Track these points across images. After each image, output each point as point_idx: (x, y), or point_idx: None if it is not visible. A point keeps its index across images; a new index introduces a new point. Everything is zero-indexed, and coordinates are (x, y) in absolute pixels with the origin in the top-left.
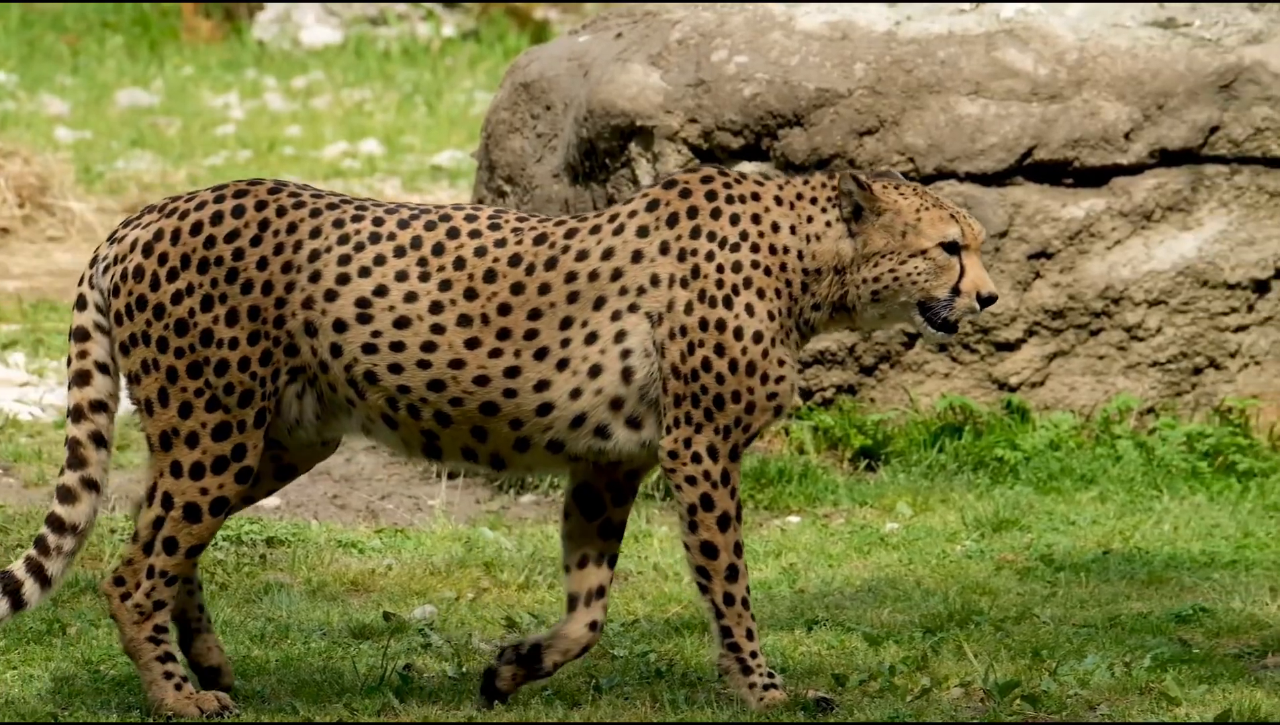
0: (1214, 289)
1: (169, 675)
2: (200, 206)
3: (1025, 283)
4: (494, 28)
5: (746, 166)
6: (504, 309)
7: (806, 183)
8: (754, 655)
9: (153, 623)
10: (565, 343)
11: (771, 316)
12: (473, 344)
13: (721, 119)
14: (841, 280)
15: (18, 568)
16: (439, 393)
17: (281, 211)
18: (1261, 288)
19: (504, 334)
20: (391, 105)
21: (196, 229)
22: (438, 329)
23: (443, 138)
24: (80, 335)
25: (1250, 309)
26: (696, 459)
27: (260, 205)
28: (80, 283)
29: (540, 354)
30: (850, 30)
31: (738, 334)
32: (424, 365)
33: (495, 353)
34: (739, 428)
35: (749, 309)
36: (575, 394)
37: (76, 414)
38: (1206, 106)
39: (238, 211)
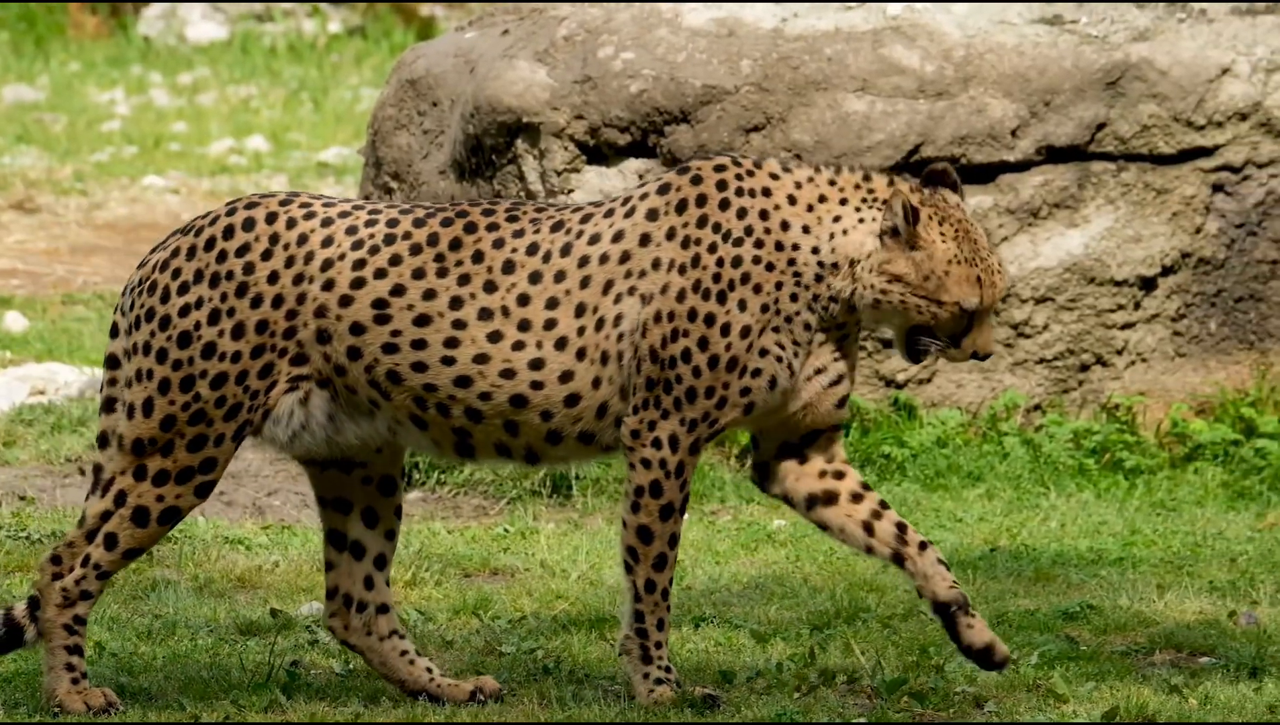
0: (1101, 286)
1: (70, 668)
2: (213, 221)
3: None
4: (380, 24)
5: (633, 163)
6: (523, 300)
7: (834, 183)
8: (659, 646)
9: (74, 612)
10: (581, 331)
11: (764, 309)
12: (495, 337)
13: (608, 116)
14: (853, 273)
15: (18, 612)
16: (467, 388)
17: (292, 223)
18: (1148, 285)
19: (525, 326)
20: (278, 102)
21: (210, 244)
22: (459, 324)
23: (329, 134)
24: (111, 362)
25: (1137, 306)
26: (657, 445)
27: (271, 217)
28: (115, 311)
29: (561, 344)
30: (737, 27)
31: (724, 330)
32: (448, 362)
33: (518, 345)
34: (705, 422)
35: (741, 304)
36: (596, 383)
37: (102, 440)
38: (1093, 104)
39: (248, 225)
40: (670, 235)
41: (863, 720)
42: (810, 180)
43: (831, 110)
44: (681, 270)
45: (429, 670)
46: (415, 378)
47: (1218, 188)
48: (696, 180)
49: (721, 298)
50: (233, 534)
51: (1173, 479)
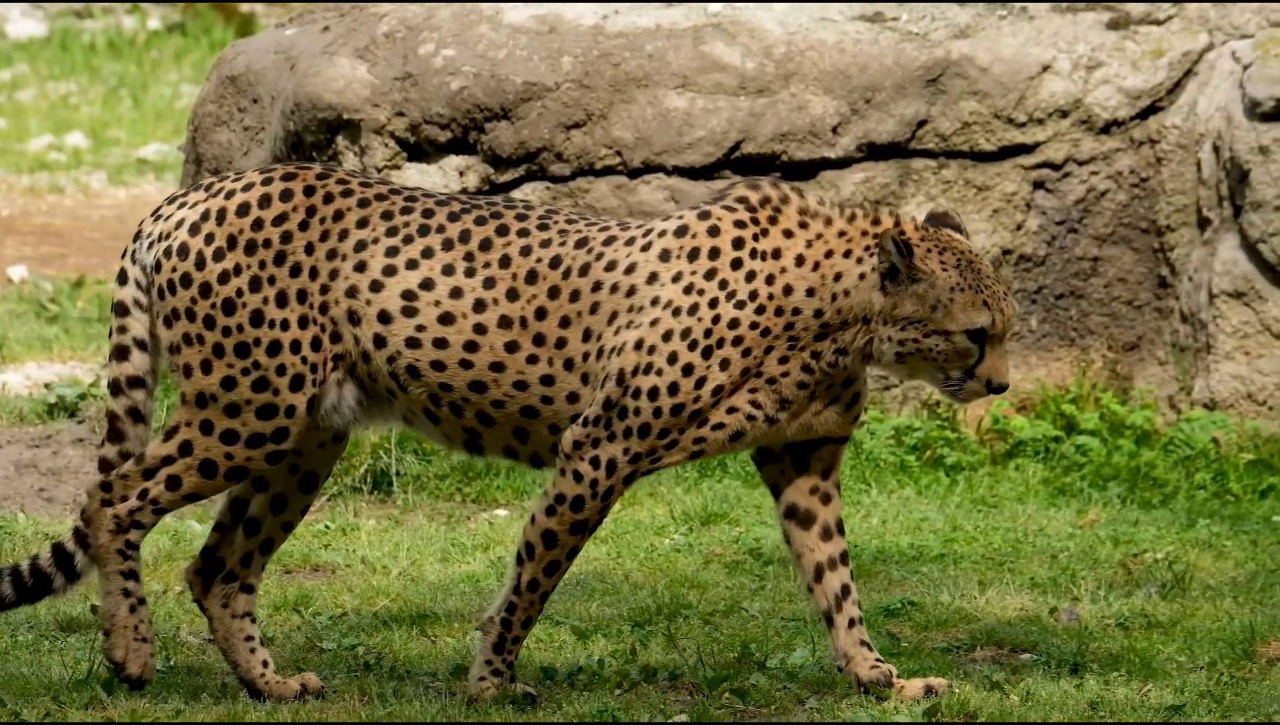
0: None
1: (127, 593)
2: (248, 188)
3: None
4: (200, 21)
5: (454, 160)
6: (540, 313)
7: (843, 235)
8: (515, 642)
9: (126, 537)
10: (585, 357)
11: (745, 373)
12: (512, 348)
13: (429, 112)
14: (868, 330)
15: (68, 541)
16: (481, 393)
17: (329, 198)
18: None
19: (539, 340)
20: (97, 98)
21: (243, 210)
22: (480, 329)
23: (149, 131)
24: (120, 310)
25: None
26: (595, 464)
27: (309, 190)
28: (123, 257)
29: (568, 365)
30: (558, 24)
31: (699, 383)
32: (466, 365)
33: (532, 359)
34: (649, 458)
35: (724, 363)
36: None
37: (115, 388)
38: (914, 100)
39: (286, 195)
40: (676, 279)
41: (684, 717)
42: (820, 236)
43: (653, 107)
44: (675, 312)
45: (264, 664)
46: (433, 375)
47: (1039, 185)
48: (714, 231)
49: (707, 353)
50: (54, 530)
51: (994, 476)
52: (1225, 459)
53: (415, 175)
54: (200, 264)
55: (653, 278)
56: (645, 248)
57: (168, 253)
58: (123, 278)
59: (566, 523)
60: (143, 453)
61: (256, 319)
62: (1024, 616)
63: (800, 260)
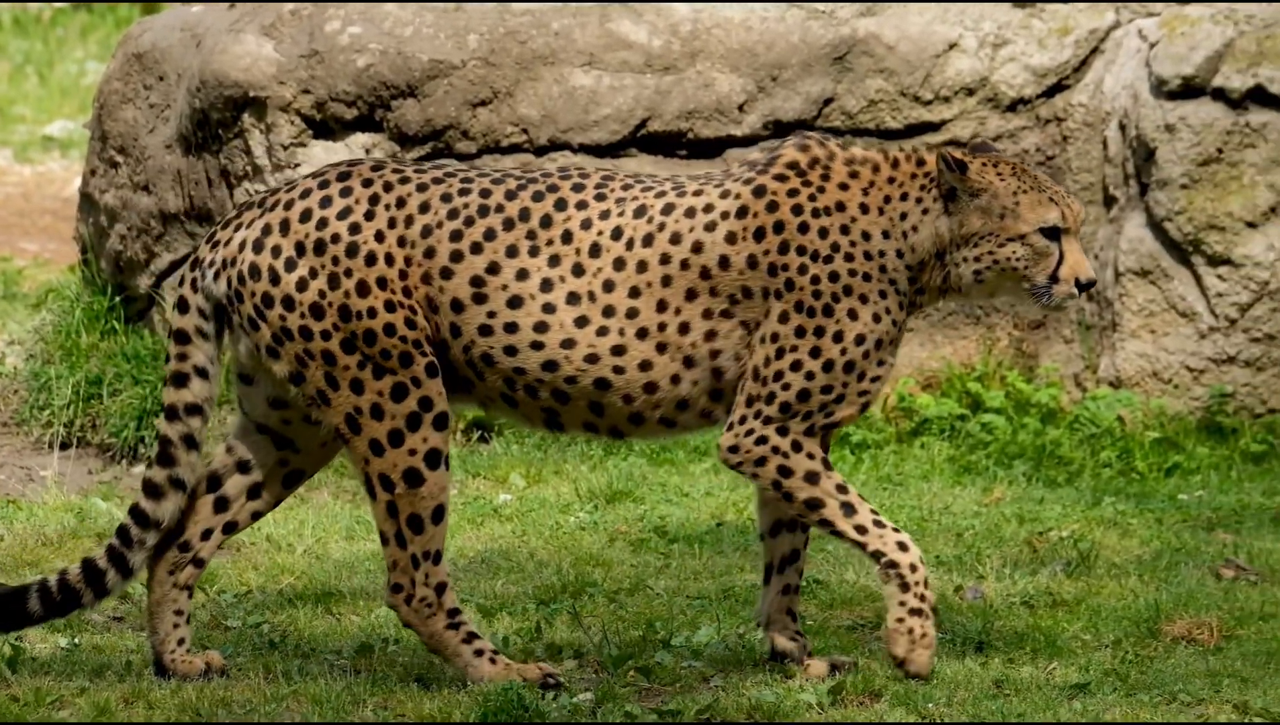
0: None
1: (480, 653)
2: (305, 194)
3: None
4: None
5: (360, 137)
6: (608, 286)
7: (893, 180)
8: (913, 568)
9: (444, 610)
10: (661, 327)
11: (877, 318)
12: (582, 322)
13: (335, 90)
14: (942, 263)
15: (100, 558)
16: (554, 372)
17: (389, 187)
18: None
19: (609, 312)
20: (3, 75)
21: (306, 216)
22: (549, 308)
23: (54, 108)
24: (181, 338)
25: None
26: (761, 442)
27: (366, 182)
28: (180, 285)
29: (641, 334)
30: (464, 2)
31: (837, 337)
32: (537, 346)
33: (602, 331)
34: (821, 412)
35: (852, 314)
36: (675, 379)
37: (171, 413)
38: (820, 78)
39: (345, 191)
40: (753, 264)
41: (589, 695)
42: (873, 183)
43: (559, 85)
44: (778, 295)
45: (180, 642)
46: (507, 361)
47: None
48: (772, 206)
49: (828, 311)
50: None
51: (899, 453)
52: (1130, 437)
53: (321, 153)
54: (274, 279)
55: (725, 263)
56: (709, 227)
57: (241, 279)
58: (184, 307)
59: (801, 484)
60: (380, 532)
61: (345, 314)
62: None
63: (864, 208)
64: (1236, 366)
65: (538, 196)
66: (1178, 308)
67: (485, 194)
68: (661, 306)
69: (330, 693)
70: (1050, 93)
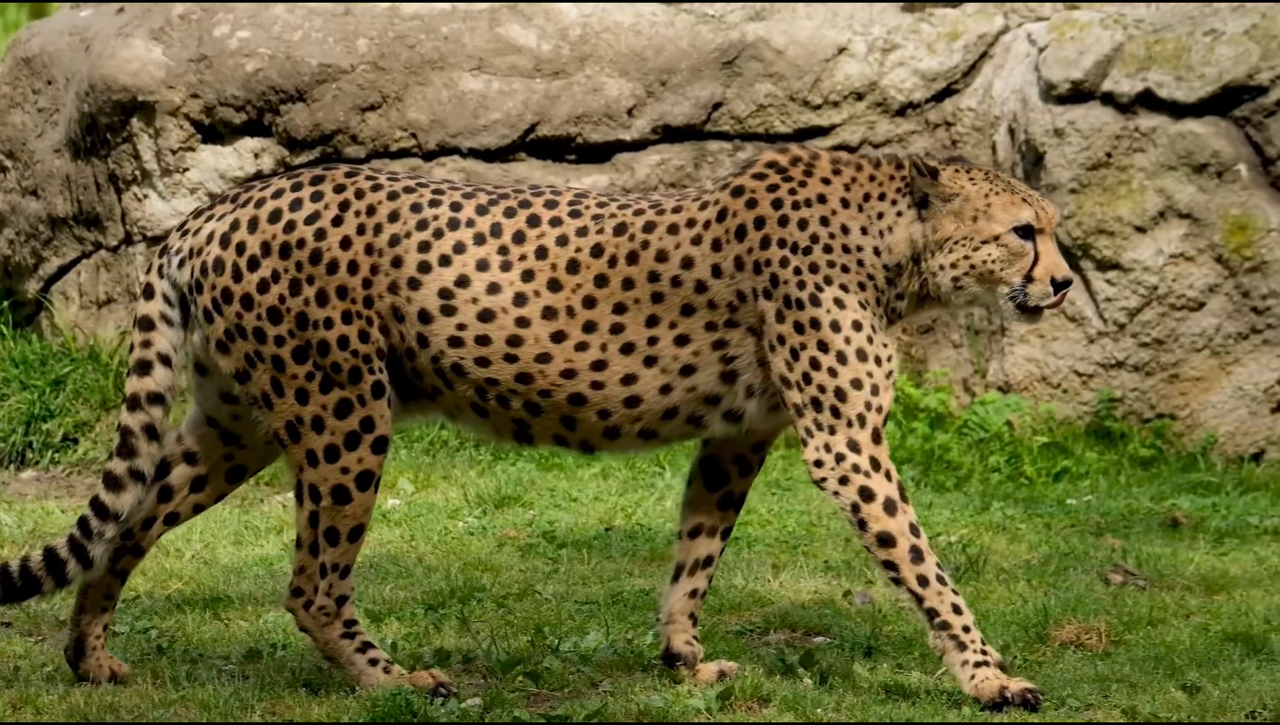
0: None
1: (374, 662)
2: (277, 194)
3: None
4: None
5: (249, 142)
6: (589, 302)
7: (874, 179)
8: (966, 630)
9: (341, 620)
10: (653, 341)
11: (863, 306)
12: (559, 337)
13: (224, 94)
14: (919, 269)
15: (61, 547)
16: (527, 385)
17: (360, 194)
18: None
19: (590, 327)
20: None
21: (275, 216)
22: (523, 322)
23: None
24: (145, 324)
25: None
26: (840, 459)
27: (338, 188)
28: (148, 271)
29: (626, 349)
30: (353, 5)
31: (835, 326)
32: (511, 359)
33: (581, 346)
34: (872, 411)
35: (838, 302)
36: (665, 390)
37: (133, 403)
38: (710, 83)
39: (316, 196)
40: (739, 266)
41: (477, 700)
42: (855, 180)
43: (448, 89)
44: (766, 295)
45: (104, 628)
46: (478, 372)
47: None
48: (751, 203)
49: (815, 301)
50: None
51: (788, 459)
52: (1019, 442)
53: (210, 157)
54: (237, 276)
55: (716, 271)
56: (695, 241)
57: (204, 270)
58: (149, 292)
59: (879, 514)
60: (297, 535)
61: (302, 322)
62: (818, 599)
63: (845, 202)
64: (1125, 371)
65: (510, 212)
66: (1066, 312)
67: (456, 207)
68: (652, 321)
69: (218, 698)
70: (939, 97)
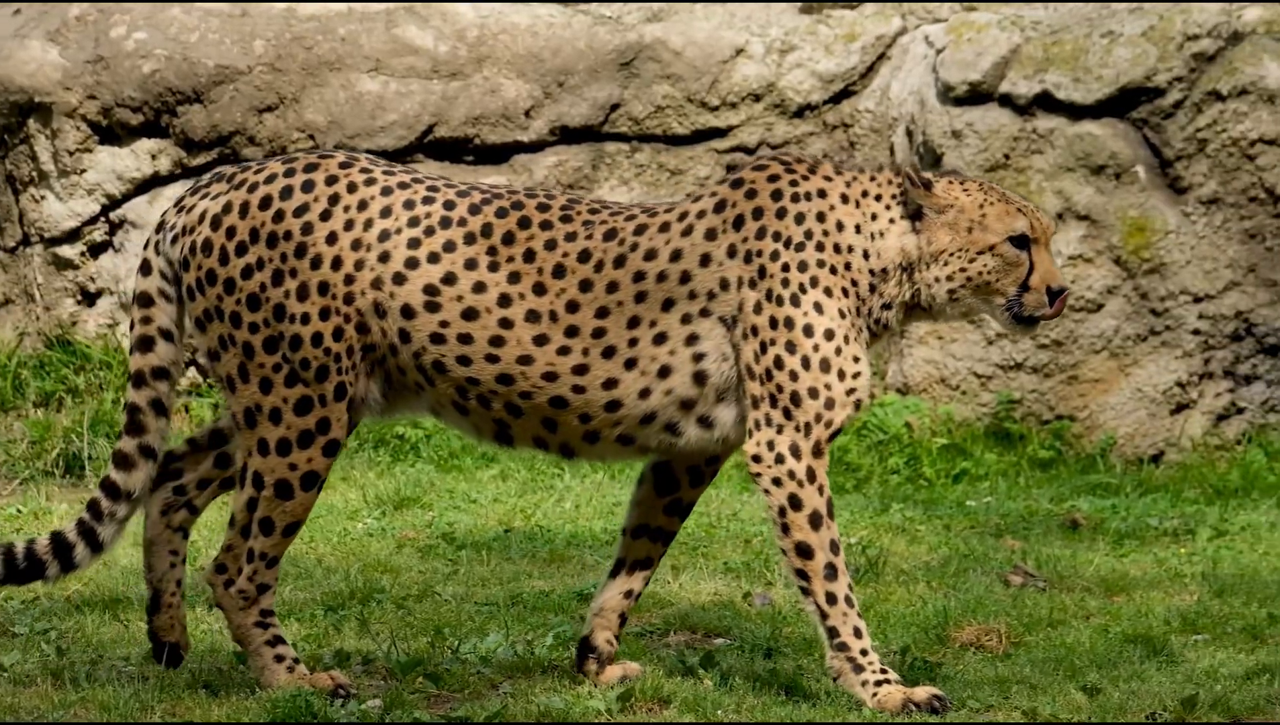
0: None
1: (280, 658)
2: (270, 180)
3: None
4: None
5: (146, 143)
6: (572, 306)
7: (874, 180)
8: (864, 653)
9: (258, 608)
10: (633, 342)
11: (842, 314)
12: (541, 341)
13: (121, 96)
14: (910, 279)
15: (69, 530)
16: (508, 386)
17: (352, 187)
18: None
19: (572, 332)
20: None
21: (265, 203)
22: (506, 323)
23: None
24: (144, 300)
25: None
26: (780, 460)
27: (331, 180)
28: (145, 247)
29: (608, 352)
30: (250, 7)
31: (807, 331)
32: (492, 359)
33: (564, 350)
34: (820, 423)
35: (817, 307)
36: (644, 393)
37: (138, 380)
38: (607, 84)
39: (307, 186)
40: (731, 253)
41: (378, 702)
42: (856, 179)
43: (345, 90)
44: (751, 284)
45: (178, 583)
46: (459, 370)
47: (732, 168)
48: (751, 194)
49: (795, 301)
50: None
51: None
52: (918, 444)
53: (107, 158)
54: (224, 260)
55: (705, 260)
56: (686, 232)
57: (193, 250)
58: (146, 268)
59: (803, 524)
60: (232, 514)
61: (279, 313)
62: (718, 601)
63: (844, 198)
64: (1024, 373)
65: (501, 213)
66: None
67: (449, 206)
68: (633, 322)
69: (118, 699)
70: (837, 99)
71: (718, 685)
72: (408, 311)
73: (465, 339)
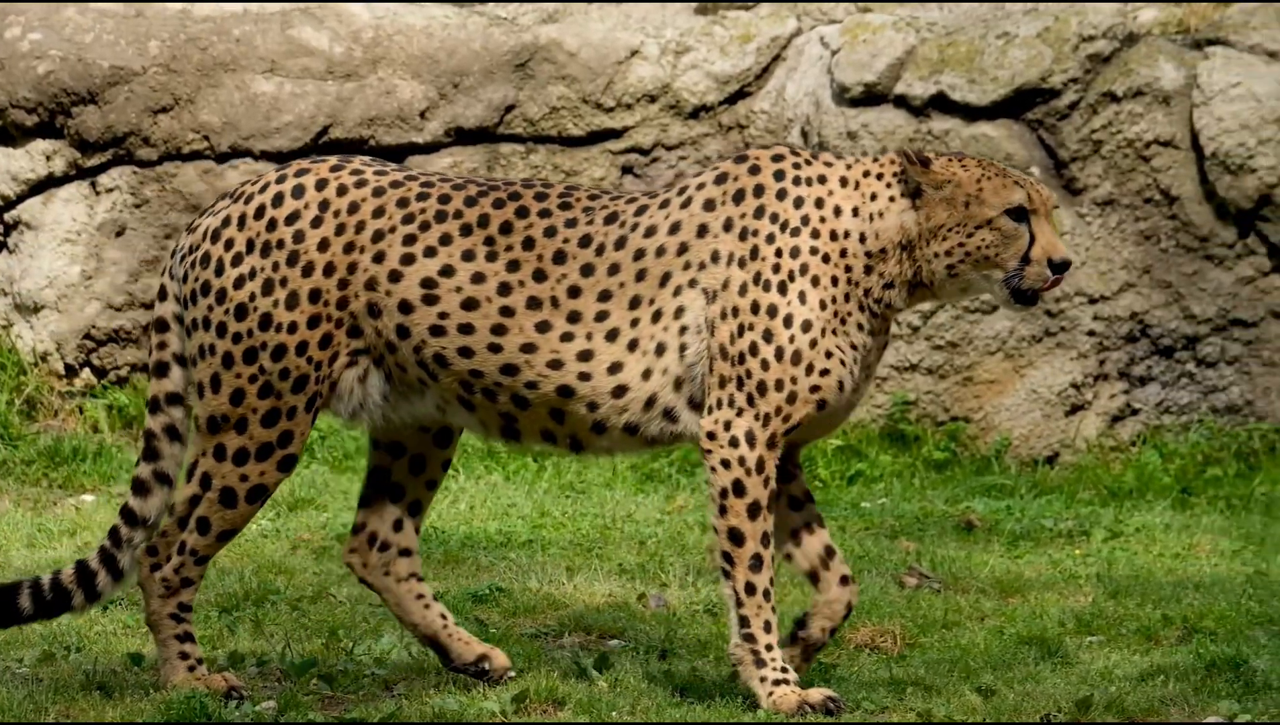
0: None
1: (184, 655)
2: (263, 189)
3: None
4: None
5: (41, 144)
6: (574, 291)
7: (876, 160)
8: (769, 649)
9: (177, 599)
10: (635, 323)
11: (824, 305)
12: (544, 327)
13: (15, 96)
14: (911, 257)
15: (92, 559)
16: (513, 377)
17: (342, 191)
18: None
19: (575, 317)
20: None
21: (260, 212)
22: (507, 312)
23: None
24: (160, 326)
25: None
26: (734, 443)
27: (321, 184)
28: (162, 273)
29: (612, 336)
30: (145, 8)
31: (787, 321)
32: (495, 349)
33: (567, 337)
34: (779, 417)
35: (801, 296)
36: (646, 375)
37: (154, 406)
38: (503, 85)
39: (298, 192)
40: (727, 226)
41: (272, 703)
42: (858, 161)
43: (240, 91)
44: (741, 263)
45: (443, 617)
46: (462, 362)
47: (627, 169)
48: (754, 170)
49: (782, 288)
50: None
51: (582, 461)
52: (813, 445)
53: (1, 159)
54: (219, 271)
55: (703, 230)
56: (685, 205)
57: (193, 263)
58: (162, 293)
59: (741, 511)
60: (172, 503)
61: (265, 322)
62: (612, 602)
63: (844, 181)
64: (919, 374)
65: (499, 204)
66: None
67: (445, 200)
68: (634, 303)
69: (12, 700)
70: (733, 100)
71: (612, 687)
72: (405, 307)
73: (466, 329)
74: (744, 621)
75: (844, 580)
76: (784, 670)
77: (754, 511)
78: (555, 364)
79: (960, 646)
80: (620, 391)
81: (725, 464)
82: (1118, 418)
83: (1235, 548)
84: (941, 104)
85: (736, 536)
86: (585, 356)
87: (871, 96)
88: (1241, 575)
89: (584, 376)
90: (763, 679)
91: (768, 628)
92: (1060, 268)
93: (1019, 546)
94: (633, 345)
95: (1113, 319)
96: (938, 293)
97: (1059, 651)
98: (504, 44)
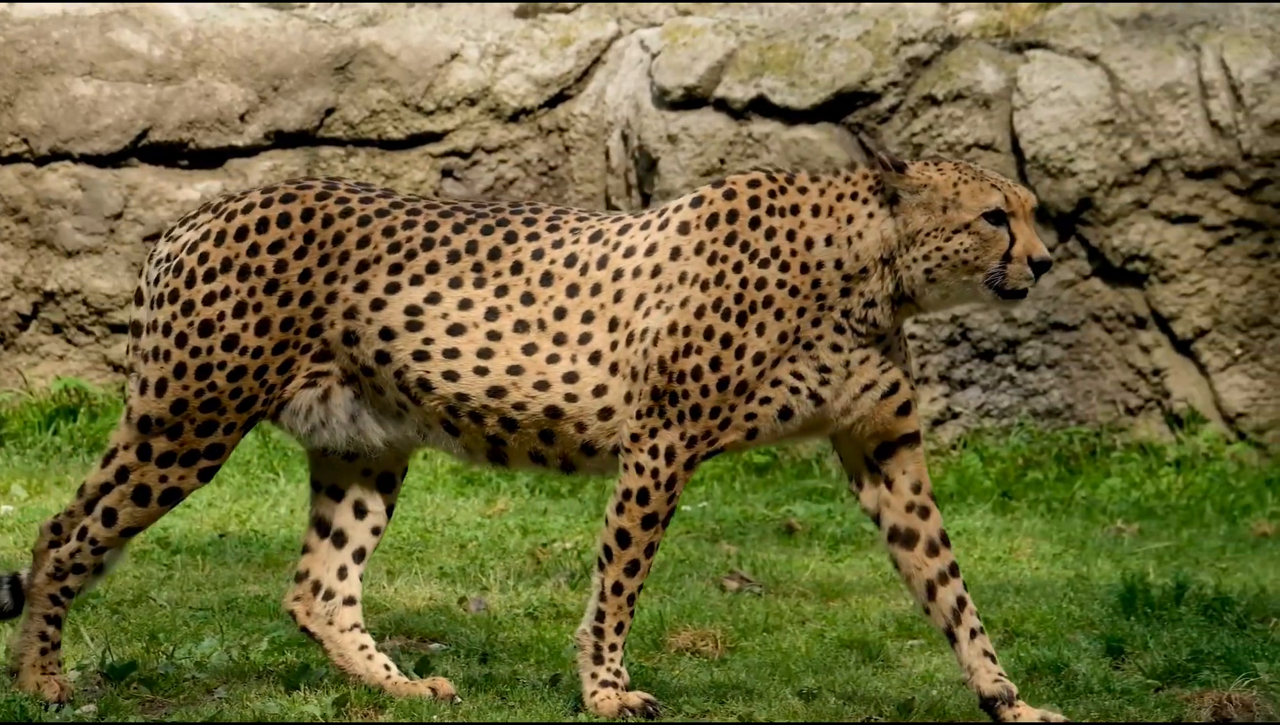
0: None
1: (44, 637)
2: (248, 210)
3: (140, 266)
4: None
5: None
6: (560, 313)
7: (849, 180)
8: (613, 649)
9: (63, 584)
10: (614, 346)
11: (783, 338)
12: (530, 350)
13: None
14: (892, 269)
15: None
16: (500, 399)
17: (328, 221)
18: None
19: (560, 339)
20: None
21: (241, 234)
22: (494, 336)
23: None
24: (137, 330)
25: None
26: (654, 453)
27: (307, 214)
28: (140, 277)
29: (595, 358)
30: None
31: (739, 352)
32: (481, 372)
33: (553, 358)
34: (705, 440)
35: (760, 328)
36: (629, 398)
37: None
38: (322, 88)
39: (283, 220)
40: (699, 250)
41: (92, 707)
42: (831, 184)
43: (59, 94)
44: (704, 286)
45: (386, 668)
46: (448, 386)
47: (447, 173)
48: (730, 195)
49: (741, 320)
50: None
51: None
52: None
53: None
54: (190, 282)
55: (675, 253)
56: (663, 226)
57: (166, 270)
58: (139, 298)
59: (636, 518)
60: (83, 484)
61: (229, 343)
62: (433, 606)
63: (816, 210)
64: None
65: (487, 230)
66: None
67: (431, 227)
68: (613, 325)
69: None
70: (553, 103)
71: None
72: (387, 334)
73: (452, 354)
74: (600, 615)
75: (973, 634)
76: (617, 674)
77: (649, 522)
78: (542, 385)
79: (781, 650)
80: (607, 414)
81: (639, 469)
82: (938, 421)
83: (1056, 551)
84: (762, 107)
85: (623, 537)
86: (570, 378)
87: (692, 100)
88: (1062, 579)
89: (571, 398)
90: (594, 675)
91: (619, 629)
92: (1040, 268)
93: (840, 550)
94: (614, 368)
95: (933, 323)
96: (920, 303)
97: (880, 655)
98: (324, 47)
